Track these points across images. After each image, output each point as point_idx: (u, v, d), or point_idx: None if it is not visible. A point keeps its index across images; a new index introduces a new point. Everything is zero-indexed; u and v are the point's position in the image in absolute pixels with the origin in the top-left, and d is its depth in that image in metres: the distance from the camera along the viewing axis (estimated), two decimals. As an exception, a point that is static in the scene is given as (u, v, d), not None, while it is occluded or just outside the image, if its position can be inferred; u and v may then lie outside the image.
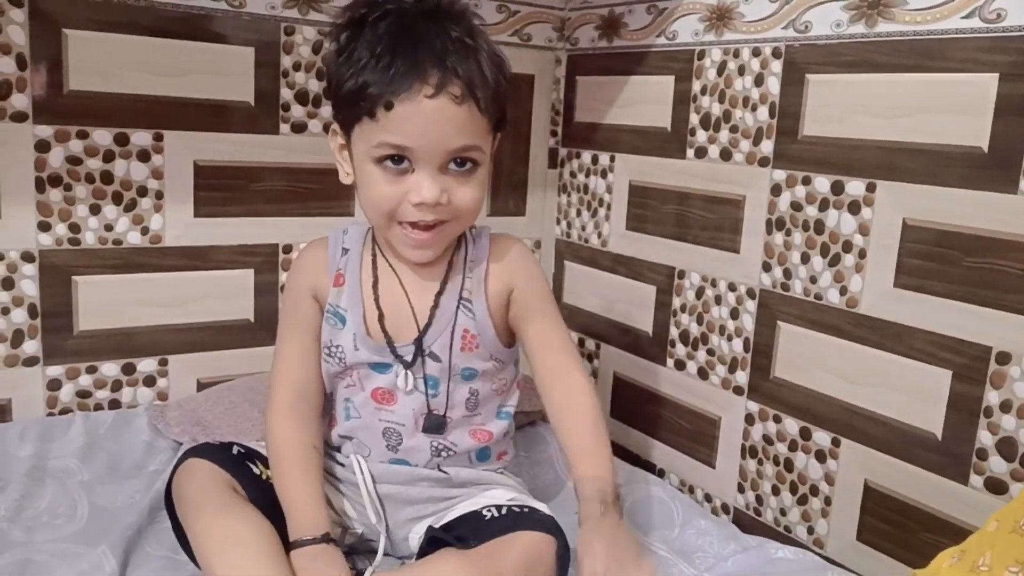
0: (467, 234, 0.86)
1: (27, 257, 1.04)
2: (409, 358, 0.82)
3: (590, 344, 1.34)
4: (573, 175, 1.36)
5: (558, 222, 1.40)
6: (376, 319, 0.82)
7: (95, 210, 1.06)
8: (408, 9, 0.75)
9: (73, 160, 1.04)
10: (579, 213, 1.35)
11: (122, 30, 1.04)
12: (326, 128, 0.96)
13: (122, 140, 1.06)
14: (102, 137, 1.05)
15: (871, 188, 0.92)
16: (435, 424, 0.83)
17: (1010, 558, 0.56)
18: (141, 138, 1.07)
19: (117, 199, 1.07)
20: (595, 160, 1.31)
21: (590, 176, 1.32)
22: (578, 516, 0.77)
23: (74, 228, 1.05)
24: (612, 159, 1.27)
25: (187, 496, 0.77)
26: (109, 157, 1.06)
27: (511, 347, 0.87)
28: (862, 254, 0.93)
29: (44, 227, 1.04)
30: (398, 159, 0.74)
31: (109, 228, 1.07)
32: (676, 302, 1.17)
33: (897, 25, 0.88)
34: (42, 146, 1.02)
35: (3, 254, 1.03)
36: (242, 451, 0.84)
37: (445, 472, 0.85)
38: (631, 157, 1.24)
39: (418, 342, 0.82)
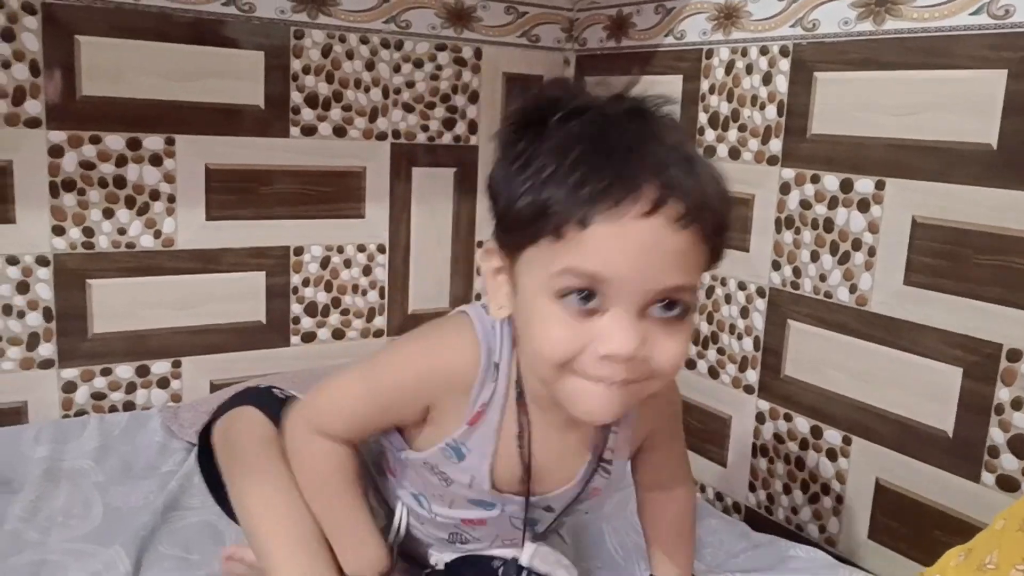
0: None
1: (42, 261, 1.05)
2: (517, 506, 0.71)
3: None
4: (582, 175, 1.36)
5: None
6: (503, 472, 0.69)
7: (108, 214, 1.07)
8: (606, 108, 0.58)
9: (86, 165, 1.05)
10: (589, 213, 1.35)
11: (133, 35, 1.05)
12: (479, 243, 0.83)
13: (134, 144, 1.07)
14: (115, 142, 1.06)
15: (880, 186, 0.91)
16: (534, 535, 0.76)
17: (1017, 556, 0.56)
18: (153, 142, 1.08)
19: (130, 203, 1.08)
20: (604, 160, 1.31)
21: (599, 176, 1.32)
22: None
23: (88, 232, 1.07)
24: (621, 159, 1.27)
25: (237, 452, 0.73)
26: (122, 161, 1.07)
27: None
28: (872, 252, 0.93)
29: (58, 231, 1.05)
30: (587, 295, 0.56)
31: (122, 232, 1.09)
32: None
33: (905, 22, 0.88)
34: (56, 151, 1.03)
35: (18, 258, 1.04)
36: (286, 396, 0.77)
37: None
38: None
39: (557, 516, 0.73)
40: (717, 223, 0.57)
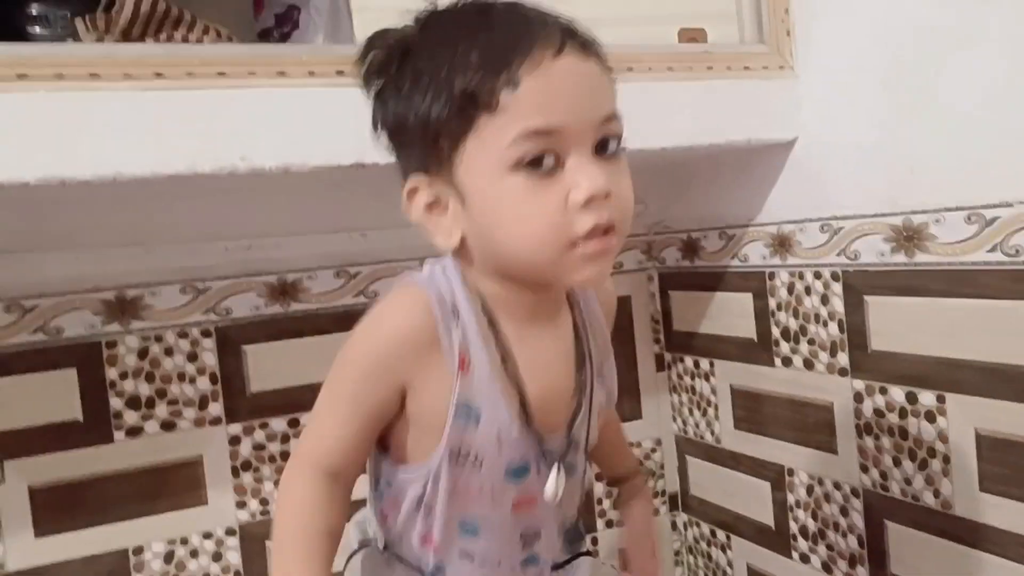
0: None
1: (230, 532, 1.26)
2: (559, 454, 0.68)
3: (721, 536, 1.42)
4: (680, 377, 1.49)
5: (673, 419, 1.52)
6: (517, 414, 0.65)
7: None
8: (452, 5, 0.62)
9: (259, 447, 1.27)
10: (691, 412, 1.47)
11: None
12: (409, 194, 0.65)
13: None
14: (278, 423, 1.28)
15: (941, 399, 1.00)
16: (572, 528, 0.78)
17: None
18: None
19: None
20: (696, 365, 1.43)
21: (695, 379, 1.44)
22: (623, 496, 0.89)
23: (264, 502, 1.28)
24: (711, 364, 1.39)
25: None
26: None
27: None
28: (946, 460, 1.00)
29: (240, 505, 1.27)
30: (539, 159, 0.57)
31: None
32: (790, 498, 1.26)
33: (933, 256, 0.98)
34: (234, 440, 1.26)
35: (211, 532, 1.25)
36: None
37: None
38: (728, 363, 1.35)
39: (569, 438, 0.69)
40: (604, 54, 0.62)
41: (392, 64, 0.62)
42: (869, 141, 1.04)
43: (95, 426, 1.19)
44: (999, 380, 0.93)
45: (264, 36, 1.14)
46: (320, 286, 1.30)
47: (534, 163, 0.57)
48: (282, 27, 1.10)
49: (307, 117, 0.90)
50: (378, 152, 0.92)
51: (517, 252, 0.60)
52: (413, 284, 0.66)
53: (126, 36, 0.85)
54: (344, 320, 1.26)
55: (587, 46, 0.60)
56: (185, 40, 0.88)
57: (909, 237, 1.01)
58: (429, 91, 0.59)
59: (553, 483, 0.68)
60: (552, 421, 0.68)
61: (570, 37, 0.59)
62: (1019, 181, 0.88)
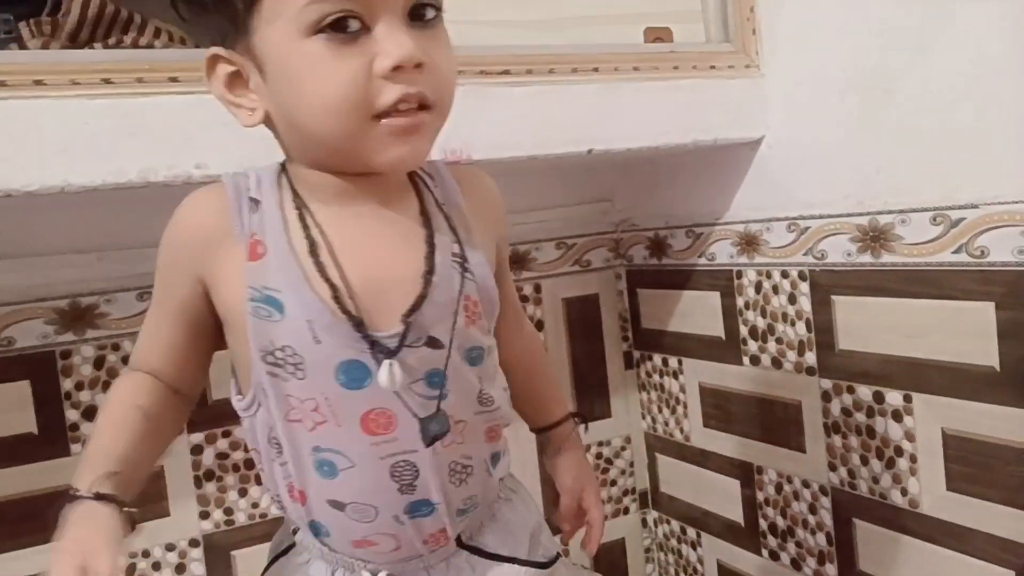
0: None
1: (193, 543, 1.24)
2: (394, 347, 0.58)
3: (691, 533, 1.43)
4: (649, 375, 1.48)
5: (643, 417, 1.52)
6: (331, 297, 0.58)
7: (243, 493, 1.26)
8: None
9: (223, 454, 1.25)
10: (660, 410, 1.46)
11: None
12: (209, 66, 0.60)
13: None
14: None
15: (908, 399, 1.00)
16: (437, 428, 0.61)
17: None
18: None
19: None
20: (665, 363, 1.43)
21: (664, 377, 1.44)
22: (549, 447, 0.81)
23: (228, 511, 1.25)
24: (680, 362, 1.39)
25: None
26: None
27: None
28: (913, 459, 1.01)
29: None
30: (341, 22, 0.52)
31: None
32: (759, 496, 1.26)
33: (899, 256, 0.98)
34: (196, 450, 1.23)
35: (174, 544, 1.23)
36: None
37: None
38: (696, 361, 1.35)
39: (407, 324, 0.58)
40: None
41: None
42: (835, 141, 1.04)
43: (51, 439, 1.16)
44: (965, 380, 0.93)
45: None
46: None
47: (335, 26, 0.52)
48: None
49: (265, 122, 0.87)
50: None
51: (316, 127, 0.55)
52: (216, 184, 0.62)
53: (73, 40, 0.82)
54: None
55: None
56: (135, 44, 0.84)
57: (875, 237, 1.01)
58: None
59: (386, 374, 0.57)
60: (384, 308, 0.59)
61: None
62: (984, 183, 0.88)
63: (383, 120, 0.54)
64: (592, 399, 1.50)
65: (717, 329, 1.29)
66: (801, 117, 1.08)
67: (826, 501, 1.14)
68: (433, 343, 0.60)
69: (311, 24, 0.52)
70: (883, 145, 0.98)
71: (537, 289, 1.45)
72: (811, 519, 1.17)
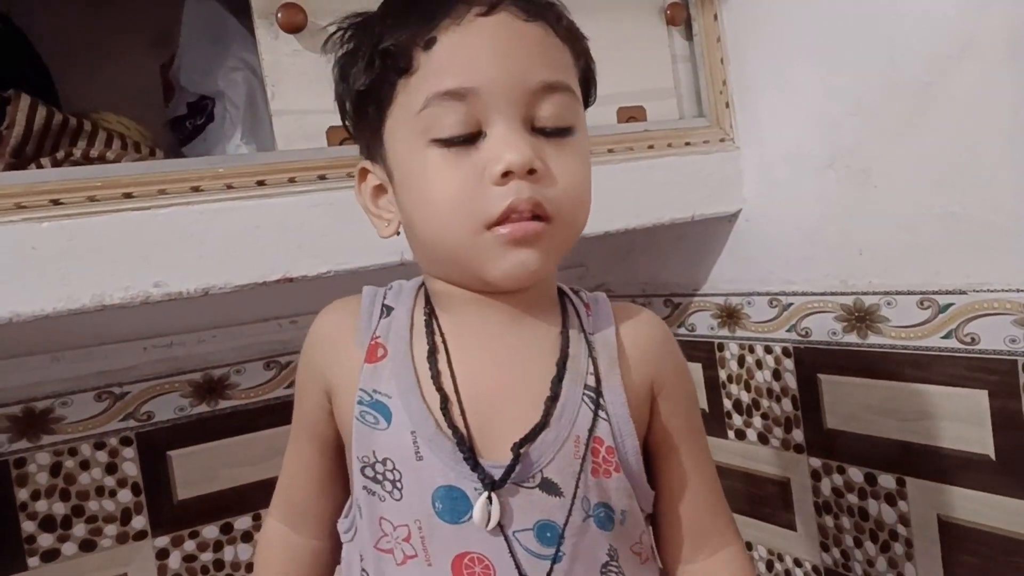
0: (567, 292, 0.60)
1: (163, 652, 1.17)
2: (498, 478, 0.51)
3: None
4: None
5: (626, 484, 1.48)
6: (439, 407, 0.53)
7: (213, 593, 1.20)
8: None
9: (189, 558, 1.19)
10: (643, 478, 1.43)
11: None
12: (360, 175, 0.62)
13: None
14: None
15: (901, 483, 0.98)
16: None
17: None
18: (242, 521, 1.20)
19: (230, 579, 1.21)
20: (647, 431, 1.40)
21: (646, 445, 1.41)
22: None
23: (198, 615, 1.19)
24: (662, 431, 1.36)
25: None
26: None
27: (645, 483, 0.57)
28: (909, 543, 0.98)
29: (174, 623, 1.17)
30: (463, 138, 0.51)
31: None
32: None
33: (887, 339, 0.96)
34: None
35: (143, 654, 1.16)
36: None
37: None
38: (679, 432, 1.32)
39: (517, 455, 0.51)
40: (565, 23, 0.55)
41: (342, 38, 0.56)
42: (814, 217, 1.02)
43: (7, 553, 1.09)
44: (960, 467, 0.91)
45: (176, 124, 1.06)
46: (250, 380, 1.22)
47: (450, 140, 0.51)
48: (195, 118, 1.02)
49: (227, 234, 0.83)
50: (307, 263, 0.88)
51: (431, 235, 0.53)
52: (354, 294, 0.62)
53: (17, 156, 0.77)
54: (278, 413, 1.19)
55: (536, 8, 0.53)
56: (86, 156, 0.79)
57: (861, 318, 0.98)
58: (358, 59, 0.54)
59: (480, 509, 0.50)
60: (496, 433, 0.52)
61: (505, 1, 0.52)
62: (969, 269, 0.87)
63: (495, 229, 0.51)
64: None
65: (700, 400, 1.26)
66: (778, 192, 1.06)
67: (820, 581, 1.11)
68: (550, 488, 0.52)
69: (426, 130, 0.51)
70: (864, 225, 0.96)
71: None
72: (805, 598, 1.14)
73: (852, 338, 1.00)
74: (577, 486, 0.52)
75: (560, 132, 0.52)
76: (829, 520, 1.08)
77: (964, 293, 0.87)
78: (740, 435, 1.20)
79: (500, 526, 0.51)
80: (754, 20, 1.06)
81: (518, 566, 0.51)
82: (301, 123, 0.87)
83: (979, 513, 0.90)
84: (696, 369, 1.26)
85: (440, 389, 0.53)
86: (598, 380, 0.54)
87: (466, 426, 0.52)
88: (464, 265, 0.53)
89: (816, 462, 1.08)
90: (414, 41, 0.51)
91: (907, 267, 0.93)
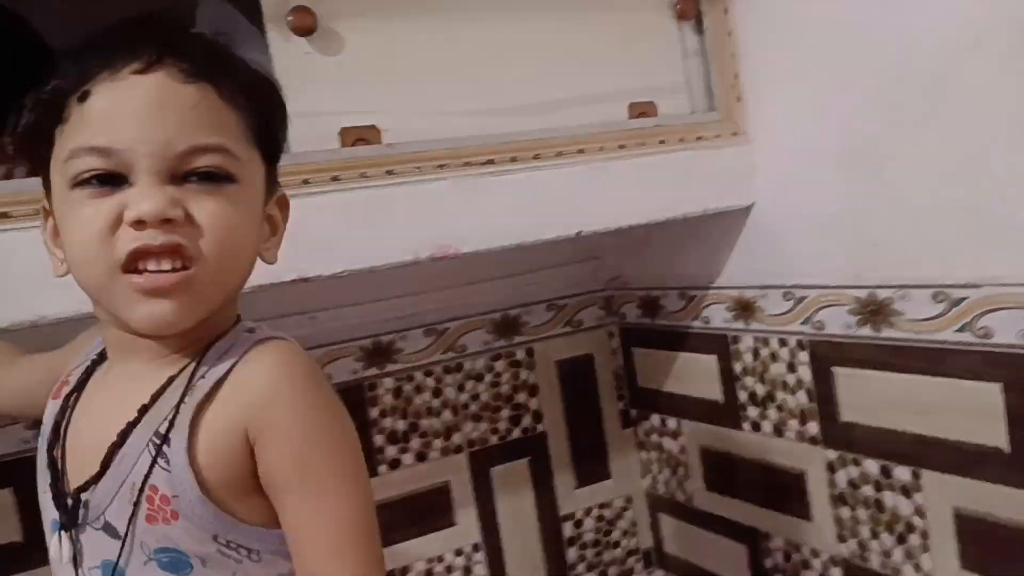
0: (244, 331, 0.59)
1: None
2: (70, 521, 0.56)
3: (698, 595, 1.40)
4: (647, 434, 1.46)
5: (643, 476, 1.49)
6: (48, 443, 0.60)
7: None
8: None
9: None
10: (660, 470, 1.44)
11: None
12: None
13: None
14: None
15: (916, 475, 0.98)
16: None
17: None
18: None
19: None
20: (663, 423, 1.40)
21: (663, 437, 1.41)
22: None
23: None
24: (679, 423, 1.36)
25: None
26: None
27: (263, 525, 0.56)
28: (925, 535, 0.98)
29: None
30: (103, 177, 0.52)
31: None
32: (768, 563, 1.23)
33: (901, 332, 0.96)
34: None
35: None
36: None
37: None
38: (695, 424, 1.33)
39: (76, 499, 0.56)
40: (238, 84, 0.55)
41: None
42: (828, 212, 1.02)
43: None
44: (975, 460, 0.91)
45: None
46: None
47: (93, 181, 0.52)
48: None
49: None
50: (322, 263, 0.89)
51: (79, 278, 0.55)
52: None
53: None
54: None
55: (200, 68, 0.53)
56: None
57: (875, 311, 0.98)
58: (32, 97, 0.55)
59: (53, 546, 0.58)
60: (80, 475, 0.56)
61: (174, 55, 0.53)
62: (983, 263, 0.86)
63: (130, 276, 0.52)
64: (590, 460, 1.48)
65: (715, 393, 1.27)
66: (792, 185, 1.06)
67: (837, 572, 1.11)
68: (110, 530, 0.55)
69: (72, 178, 0.53)
70: (878, 218, 0.96)
71: (529, 353, 1.42)
72: (821, 589, 1.15)
73: (866, 331, 1.00)
74: (128, 530, 0.54)
75: (214, 179, 0.54)
76: (845, 511, 1.08)
77: (978, 287, 0.87)
78: (755, 427, 1.20)
79: (76, 562, 0.57)
80: (765, 13, 1.05)
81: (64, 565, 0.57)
82: (314, 125, 0.88)
83: (995, 505, 0.90)
84: (711, 361, 1.26)
85: (55, 430, 0.59)
86: (170, 427, 0.54)
87: (62, 467, 0.58)
88: (109, 308, 0.55)
89: (832, 454, 1.08)
90: (72, 91, 0.52)
91: (921, 260, 0.92)
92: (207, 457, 0.53)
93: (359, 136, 0.90)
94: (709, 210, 1.09)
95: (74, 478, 0.57)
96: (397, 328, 1.32)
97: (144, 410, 0.55)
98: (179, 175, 0.53)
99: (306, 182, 0.87)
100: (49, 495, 0.58)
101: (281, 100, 0.61)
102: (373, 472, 1.29)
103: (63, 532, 0.57)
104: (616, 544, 1.49)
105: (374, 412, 1.30)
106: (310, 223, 0.87)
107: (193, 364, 0.56)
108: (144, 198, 0.51)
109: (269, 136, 0.59)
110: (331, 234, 0.89)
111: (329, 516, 0.54)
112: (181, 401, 0.54)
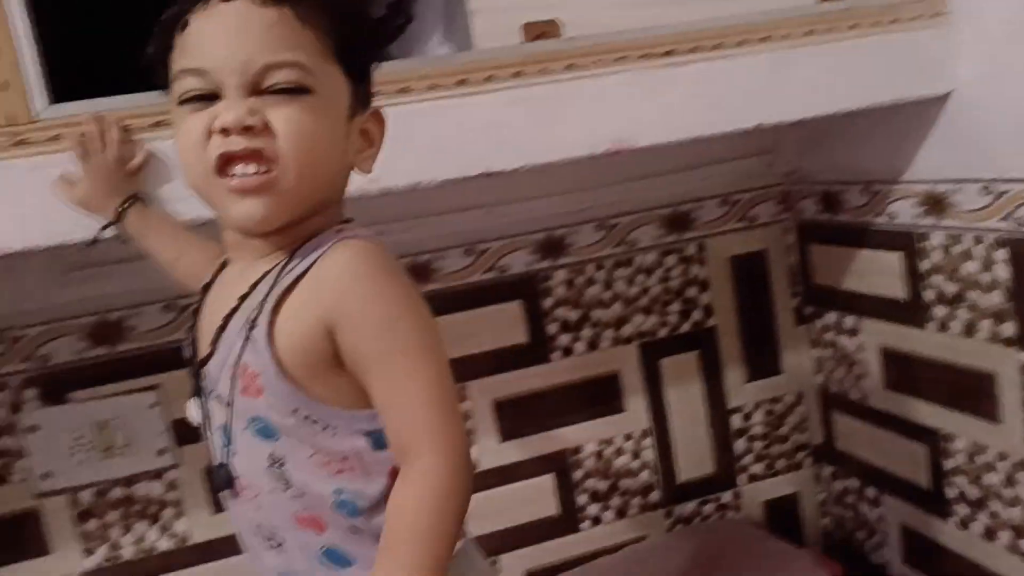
0: (336, 231, 0.65)
1: None
2: (199, 389, 0.68)
3: (870, 492, 1.39)
4: (822, 331, 1.43)
5: (815, 373, 1.47)
6: (191, 328, 0.71)
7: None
8: None
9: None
10: (835, 368, 1.42)
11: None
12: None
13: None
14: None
15: (1124, 380, 0.92)
16: (222, 479, 0.66)
17: None
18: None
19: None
20: (840, 321, 1.37)
21: (839, 335, 1.39)
22: None
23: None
24: (857, 321, 1.33)
25: None
26: None
27: (340, 406, 0.62)
28: None
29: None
30: (201, 96, 0.60)
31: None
32: (948, 463, 1.21)
33: (1117, 227, 0.89)
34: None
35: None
36: None
37: None
38: (874, 322, 1.29)
39: (197, 374, 0.67)
40: (316, 6, 0.61)
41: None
42: (1040, 98, 0.94)
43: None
44: None
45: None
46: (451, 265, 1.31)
47: (194, 98, 0.60)
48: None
49: (432, 134, 0.88)
50: (504, 158, 0.92)
51: (188, 182, 0.63)
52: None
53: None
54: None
55: None
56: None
57: (1089, 204, 0.91)
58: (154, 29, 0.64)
59: (190, 408, 0.69)
60: (201, 354, 0.67)
61: None
62: None
63: (225, 179, 0.60)
64: (762, 355, 1.47)
65: (898, 291, 1.22)
66: (997, 71, 0.98)
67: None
68: (221, 400, 0.65)
69: (178, 96, 0.62)
70: (1100, 102, 0.88)
71: (701, 248, 1.42)
72: (1007, 492, 1.11)
73: (1077, 226, 0.93)
74: (232, 400, 0.64)
75: (290, 92, 0.60)
76: (1038, 416, 1.04)
77: None
78: (942, 327, 1.15)
79: (206, 424, 0.68)
80: None
81: (216, 453, 0.68)
82: (497, 21, 0.90)
83: None
84: (894, 259, 1.22)
85: (194, 314, 0.70)
86: (259, 313, 0.62)
87: (195, 346, 0.69)
88: (213, 209, 0.64)
89: (1026, 356, 1.04)
90: (175, 23, 0.61)
91: None
92: (286, 339, 0.61)
93: (540, 31, 0.91)
94: (903, 99, 1.03)
95: (200, 355, 0.68)
96: (568, 223, 1.35)
97: (243, 299, 0.64)
98: (260, 89, 0.60)
99: (489, 79, 0.90)
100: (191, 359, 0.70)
101: (368, 22, 0.66)
102: (545, 359, 1.36)
103: (196, 399, 0.68)
104: (785, 438, 1.50)
105: (548, 302, 1.35)
106: (494, 119, 0.91)
107: (285, 260, 0.63)
108: (228, 109, 0.59)
109: (353, 54, 0.64)
110: (513, 129, 0.92)
111: (411, 388, 0.60)
112: (270, 291, 0.62)
